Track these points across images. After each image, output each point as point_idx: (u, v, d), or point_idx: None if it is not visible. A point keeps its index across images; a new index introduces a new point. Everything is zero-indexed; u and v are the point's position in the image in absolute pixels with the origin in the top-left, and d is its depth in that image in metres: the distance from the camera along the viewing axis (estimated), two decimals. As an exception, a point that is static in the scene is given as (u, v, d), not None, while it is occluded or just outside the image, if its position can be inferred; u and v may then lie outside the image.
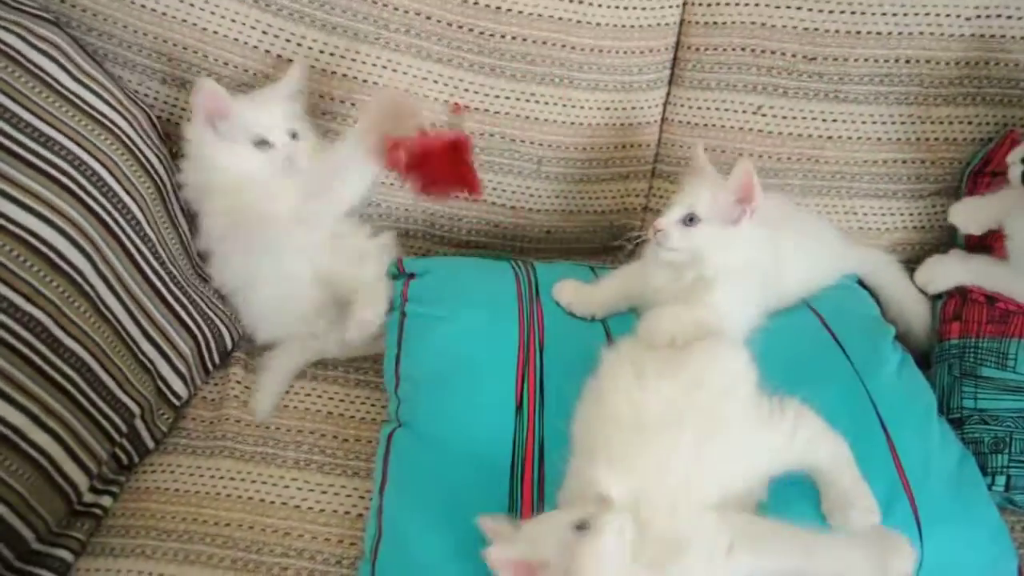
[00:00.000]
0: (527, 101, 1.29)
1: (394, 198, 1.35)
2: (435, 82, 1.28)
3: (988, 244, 1.24)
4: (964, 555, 0.98)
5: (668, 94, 1.34)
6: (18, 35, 1.13)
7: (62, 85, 1.14)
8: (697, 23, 1.29)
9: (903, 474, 0.99)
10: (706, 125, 1.32)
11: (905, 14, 1.22)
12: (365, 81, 1.27)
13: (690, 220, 1.07)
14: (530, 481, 0.98)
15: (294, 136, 1.20)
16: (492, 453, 1.00)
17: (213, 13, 1.24)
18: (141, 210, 1.16)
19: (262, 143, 1.18)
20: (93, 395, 1.04)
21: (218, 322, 1.25)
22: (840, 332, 1.15)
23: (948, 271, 1.23)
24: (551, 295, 1.18)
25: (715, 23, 1.27)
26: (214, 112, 1.17)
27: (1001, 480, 1.08)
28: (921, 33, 1.23)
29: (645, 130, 1.35)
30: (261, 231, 1.17)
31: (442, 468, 1.00)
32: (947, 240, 1.33)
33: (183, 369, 1.18)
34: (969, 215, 1.22)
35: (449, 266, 1.26)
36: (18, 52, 1.11)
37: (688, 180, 1.12)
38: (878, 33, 1.23)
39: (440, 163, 1.05)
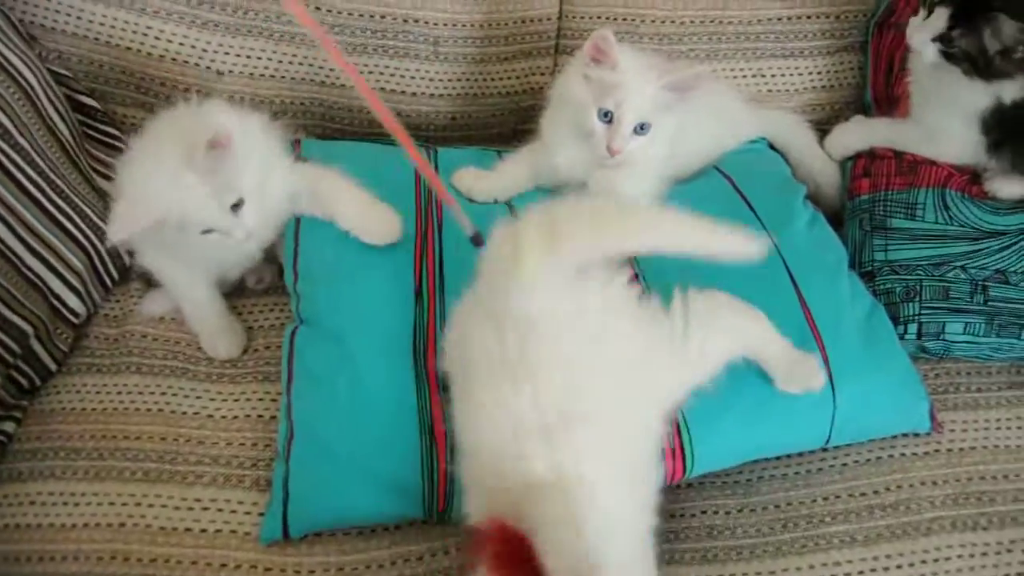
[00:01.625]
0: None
1: (292, 91, 1.28)
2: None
3: (895, 95, 1.23)
4: (876, 401, 1.00)
5: (563, -41, 1.29)
6: None
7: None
8: None
9: (814, 326, 1.01)
10: (606, -10, 1.28)
11: None
12: None
13: (641, 128, 1.05)
14: (433, 366, 0.96)
15: (237, 206, 1.01)
16: (393, 341, 0.99)
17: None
18: (11, 119, 1.08)
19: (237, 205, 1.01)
20: (-21, 317, 0.98)
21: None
22: (750, 193, 1.15)
23: (852, 139, 1.24)
24: (451, 182, 1.14)
25: None
26: (221, 143, 0.96)
27: (913, 328, 1.10)
28: None
29: (544, 1, 1.29)
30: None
31: (345, 360, 0.98)
32: (857, 98, 1.32)
33: (77, 284, 1.12)
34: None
35: (347, 151, 1.21)
36: None
37: (611, 79, 1.04)
38: None
39: None
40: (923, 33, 1.07)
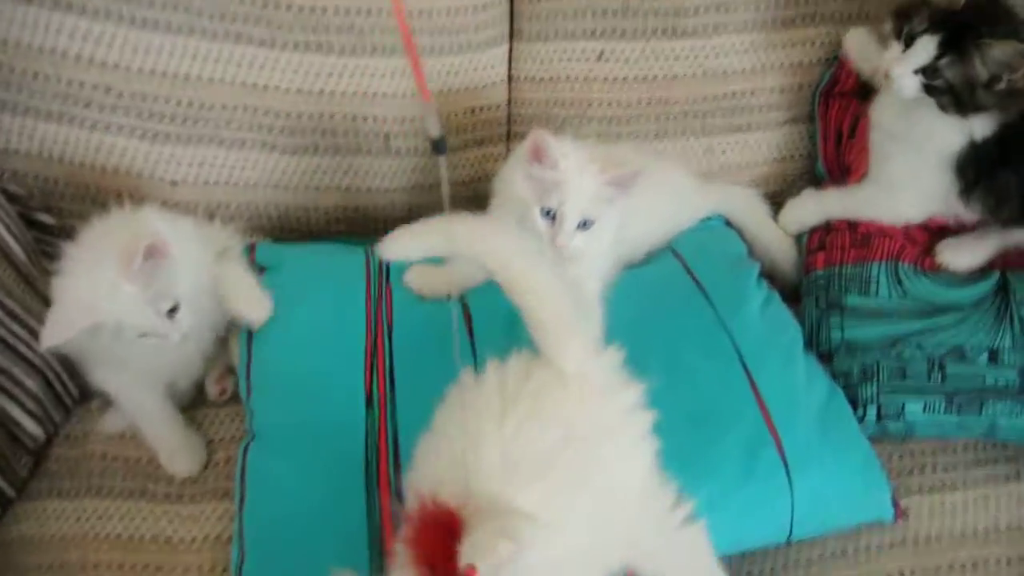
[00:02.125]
0: (362, 76, 1.23)
1: (245, 196, 1.29)
2: (261, 68, 1.21)
3: (846, 163, 1.23)
4: (836, 492, 0.99)
5: (511, 50, 1.29)
6: None
7: None
8: (528, -27, 1.24)
9: (768, 417, 0.99)
10: (552, 79, 1.28)
11: (733, -59, 1.18)
12: (187, 77, 1.20)
13: (584, 224, 1.06)
14: (386, 476, 0.96)
15: (173, 311, 1.03)
16: (345, 453, 0.98)
17: (11, 22, 1.14)
18: (-38, 244, 1.09)
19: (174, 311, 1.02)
20: (-69, 454, 0.97)
21: (69, 352, 1.17)
22: (702, 275, 1.14)
23: (805, 213, 1.24)
24: (403, 282, 1.14)
25: (545, -29, 1.23)
26: (153, 252, 0.98)
27: (872, 410, 1.08)
28: (752, -42, 1.20)
29: (493, 91, 1.30)
30: None
31: (295, 475, 0.97)
32: (809, 169, 1.32)
33: (35, 409, 1.12)
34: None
35: (299, 256, 1.20)
36: None
37: (553, 177, 1.04)
38: (705, -38, 1.19)
39: None
40: (905, 65, 1.04)
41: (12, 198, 1.22)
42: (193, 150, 1.24)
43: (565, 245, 1.05)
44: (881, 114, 1.15)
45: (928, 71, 1.03)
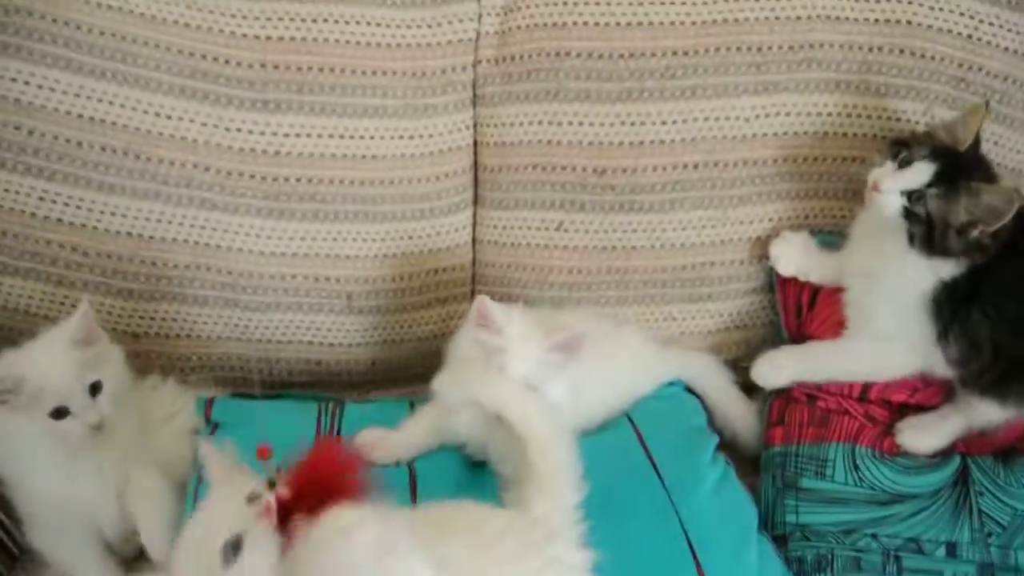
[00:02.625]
0: (324, 240, 1.26)
1: (207, 349, 1.30)
2: (224, 231, 1.23)
3: (807, 334, 1.22)
4: None
5: (475, 214, 1.31)
6: None
7: None
8: (490, 144, 1.27)
9: None
10: (513, 244, 1.30)
11: (684, 120, 1.21)
12: (152, 237, 1.22)
13: None
14: None
15: (95, 389, 1.03)
16: None
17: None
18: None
19: (58, 412, 1.00)
20: None
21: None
22: (655, 449, 1.12)
23: (780, 367, 1.20)
24: (356, 443, 1.12)
25: (506, 143, 1.26)
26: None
27: (827, 601, 1.04)
28: (704, 138, 1.22)
29: (456, 252, 1.32)
30: None
31: None
32: (773, 335, 1.30)
33: (-2, 533, 1.10)
34: (791, 255, 1.21)
35: (256, 415, 1.20)
36: None
37: (498, 344, 1.04)
38: (661, 142, 1.22)
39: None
40: (896, 182, 1.04)
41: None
42: (156, 306, 1.26)
43: None
44: (855, 254, 1.14)
45: (914, 196, 1.03)
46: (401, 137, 1.23)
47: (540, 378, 1.05)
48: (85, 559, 1.09)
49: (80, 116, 1.17)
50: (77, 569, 1.10)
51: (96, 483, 1.08)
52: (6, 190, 1.19)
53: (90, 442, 1.04)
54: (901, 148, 1.05)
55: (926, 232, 1.03)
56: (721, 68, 1.19)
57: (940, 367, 1.11)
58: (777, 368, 1.20)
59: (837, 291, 1.18)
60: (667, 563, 0.99)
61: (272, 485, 0.78)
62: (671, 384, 1.25)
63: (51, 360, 1.01)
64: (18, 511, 1.10)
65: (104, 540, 1.11)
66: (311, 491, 0.78)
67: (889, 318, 1.11)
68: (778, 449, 1.16)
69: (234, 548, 0.76)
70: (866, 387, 1.16)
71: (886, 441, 1.12)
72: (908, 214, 1.04)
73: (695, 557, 0.99)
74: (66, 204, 1.20)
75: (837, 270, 1.19)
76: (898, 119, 1.21)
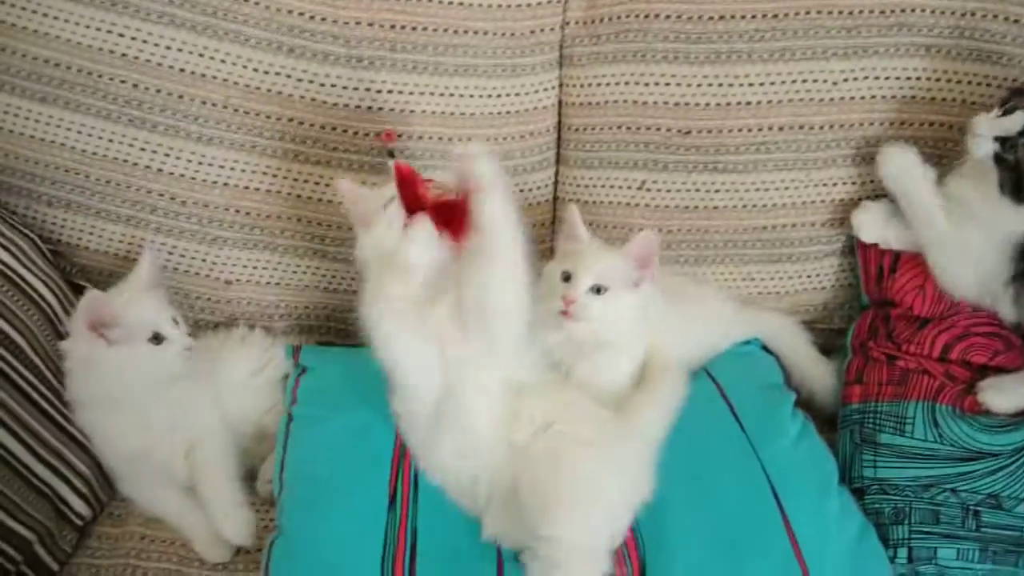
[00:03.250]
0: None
1: (295, 298, 1.35)
2: (316, 183, 1.28)
3: (889, 298, 1.23)
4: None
5: (557, 173, 1.34)
6: None
7: (-65, 225, 1.14)
8: (575, 104, 1.29)
9: (799, 551, 0.98)
10: (595, 202, 1.32)
11: (772, 83, 1.22)
12: (247, 188, 1.27)
13: (598, 290, 1.07)
14: (401, 569, 0.98)
15: (176, 323, 1.15)
16: (362, 548, 1.00)
17: (90, 135, 1.24)
18: (26, 338, 1.16)
19: (156, 337, 1.12)
20: (-20, 530, 1.03)
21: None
22: (737, 402, 1.15)
23: (873, 223, 1.23)
24: None
25: (591, 103, 1.28)
26: (101, 321, 1.08)
27: (903, 552, 1.06)
28: (791, 100, 1.22)
29: (538, 210, 1.35)
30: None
31: (313, 569, 0.99)
32: (851, 298, 1.32)
33: (83, 489, 1.16)
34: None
35: (342, 363, 1.25)
36: None
37: (575, 247, 1.13)
38: (747, 103, 1.23)
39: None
40: (991, 127, 1.06)
41: (79, 290, 1.30)
42: (248, 254, 1.31)
43: (574, 299, 1.06)
44: (958, 186, 1.15)
45: (1007, 143, 1.05)
46: (489, 96, 1.26)
47: (609, 280, 1.08)
48: (165, 502, 1.17)
49: (182, 70, 1.22)
50: (159, 510, 1.17)
51: (166, 440, 1.15)
52: (111, 140, 1.24)
53: (184, 372, 1.13)
54: (1012, 96, 1.06)
55: (1012, 180, 1.04)
56: (811, 31, 1.20)
57: (1002, 309, 1.14)
58: (871, 222, 1.22)
59: (920, 255, 1.20)
60: (751, 507, 1.02)
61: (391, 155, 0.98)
62: (747, 342, 1.28)
63: (137, 297, 1.13)
64: (104, 465, 1.18)
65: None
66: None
67: (971, 241, 1.13)
68: (856, 406, 1.18)
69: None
70: (947, 347, 1.17)
71: (967, 400, 1.13)
72: (999, 159, 1.05)
73: (779, 502, 1.02)
74: (166, 155, 1.25)
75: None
76: (988, 84, 1.21)
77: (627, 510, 0.99)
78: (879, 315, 1.24)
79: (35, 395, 1.15)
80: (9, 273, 1.18)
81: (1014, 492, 1.06)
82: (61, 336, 1.22)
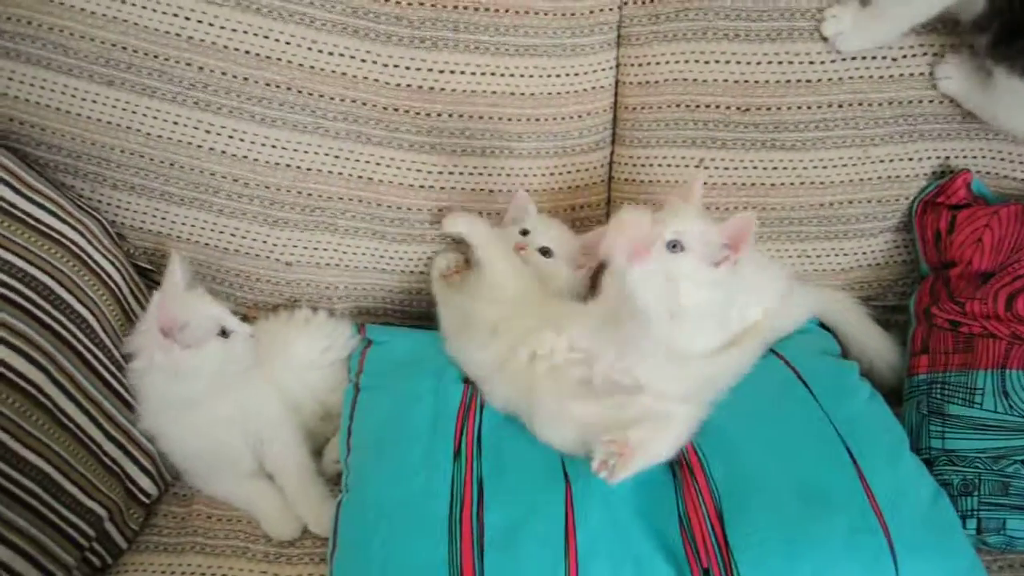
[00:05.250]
0: (471, 174, 1.31)
1: (354, 279, 1.36)
2: (377, 164, 1.29)
3: (949, 259, 1.23)
4: (942, 587, 0.96)
5: (612, 153, 1.35)
6: (-35, 160, 1.15)
7: (9, 203, 1.16)
8: (631, 83, 1.30)
9: (875, 504, 0.98)
10: (651, 181, 1.33)
11: (832, 60, 1.22)
12: (309, 169, 1.28)
13: (674, 246, 1.01)
14: (469, 525, 0.98)
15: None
16: (430, 500, 1.01)
17: (155, 118, 1.25)
18: (96, 317, 1.18)
19: (223, 332, 1.14)
20: (57, 505, 1.05)
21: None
22: (803, 368, 1.15)
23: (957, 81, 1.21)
24: None
25: (649, 82, 1.29)
26: (173, 324, 1.11)
27: (972, 523, 1.07)
28: (851, 78, 1.23)
29: (593, 190, 1.36)
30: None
31: (380, 521, 1.00)
32: (907, 272, 1.33)
33: (150, 467, 1.19)
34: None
35: (407, 338, 1.29)
36: (-35, 177, 1.14)
37: (678, 205, 1.08)
38: (807, 81, 1.24)
39: None
40: None
41: (143, 273, 1.32)
42: (309, 235, 1.33)
43: (646, 251, 1.00)
44: None
45: None
46: (548, 76, 1.27)
47: (690, 242, 1.02)
48: (231, 490, 1.19)
49: (247, 52, 1.23)
50: (225, 498, 1.19)
51: (232, 434, 1.17)
52: (175, 123, 1.26)
53: (254, 363, 1.16)
54: None
55: None
56: (871, 7, 1.20)
57: None
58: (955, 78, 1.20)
59: (977, 210, 1.21)
60: (827, 463, 1.01)
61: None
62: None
63: (193, 299, 1.16)
64: (172, 464, 1.21)
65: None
66: None
67: None
68: (923, 377, 1.18)
69: None
70: (1011, 299, 1.16)
71: None
72: None
73: (854, 460, 1.02)
74: (230, 137, 1.27)
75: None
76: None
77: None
78: (940, 278, 1.23)
79: (105, 373, 1.17)
80: (80, 253, 1.20)
81: (1086, 464, 1.06)
82: (128, 317, 1.24)
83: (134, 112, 1.25)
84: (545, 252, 1.24)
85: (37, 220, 1.18)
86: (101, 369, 1.16)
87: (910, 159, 1.27)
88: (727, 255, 1.02)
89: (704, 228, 1.03)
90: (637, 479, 0.96)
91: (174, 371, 1.12)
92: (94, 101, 1.25)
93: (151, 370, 1.13)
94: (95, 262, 1.22)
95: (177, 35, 1.22)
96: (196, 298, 1.17)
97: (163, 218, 1.32)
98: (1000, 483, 1.07)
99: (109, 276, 1.24)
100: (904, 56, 1.22)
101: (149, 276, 1.33)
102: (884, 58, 1.22)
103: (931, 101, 1.24)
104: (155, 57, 1.23)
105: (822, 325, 1.28)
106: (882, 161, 1.27)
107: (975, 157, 1.27)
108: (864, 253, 1.32)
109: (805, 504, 0.97)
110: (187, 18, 1.22)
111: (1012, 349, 1.13)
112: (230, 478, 1.19)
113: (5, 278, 1.09)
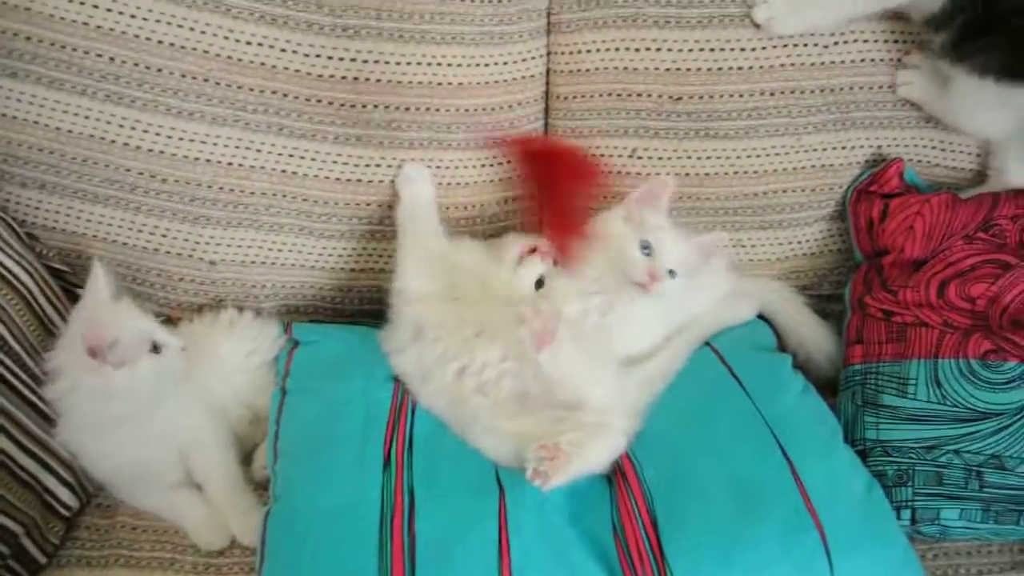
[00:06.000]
0: (399, 167, 1.27)
1: (280, 276, 1.32)
2: (301, 158, 1.25)
3: (882, 247, 1.23)
4: (877, 581, 0.96)
5: (544, 143, 1.33)
6: None
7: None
8: (562, 72, 1.28)
9: (808, 501, 0.98)
10: (585, 172, 1.30)
11: (764, 48, 1.21)
12: (230, 164, 1.23)
13: (671, 273, 1.14)
14: (400, 530, 0.96)
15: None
16: (360, 510, 0.99)
17: (65, 112, 1.19)
18: (5, 325, 1.12)
19: (155, 347, 1.09)
20: (-36, 526, 0.99)
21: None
22: (736, 364, 1.15)
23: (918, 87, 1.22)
24: None
25: (580, 71, 1.26)
26: (101, 345, 1.04)
27: (907, 514, 1.07)
28: (783, 66, 1.22)
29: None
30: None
31: (311, 533, 0.98)
32: (842, 261, 1.33)
33: (70, 479, 1.14)
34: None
35: (335, 336, 1.25)
36: None
37: (656, 223, 1.17)
38: (739, 68, 1.22)
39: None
40: None
41: (56, 274, 1.27)
42: (232, 232, 1.28)
43: (660, 279, 1.12)
44: None
45: None
46: (477, 65, 1.24)
47: (682, 268, 1.14)
48: (158, 502, 1.15)
49: (160, 42, 1.18)
50: (151, 510, 1.15)
51: (158, 449, 1.13)
52: (87, 116, 1.20)
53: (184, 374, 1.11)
54: None
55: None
56: (800, -7, 1.19)
57: None
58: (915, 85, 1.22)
59: (909, 198, 1.21)
60: (759, 462, 1.02)
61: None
62: (738, 311, 1.28)
63: (120, 312, 1.10)
64: (95, 479, 1.17)
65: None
66: None
67: None
68: (858, 367, 1.18)
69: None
70: (942, 286, 1.17)
71: (969, 346, 1.12)
72: None
73: (787, 457, 1.02)
74: (145, 131, 1.21)
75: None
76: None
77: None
78: (872, 267, 1.24)
79: (17, 383, 1.12)
80: (-11, 262, 1.14)
81: (1016, 452, 1.07)
82: (43, 323, 1.19)
83: (41, 106, 1.19)
84: (671, 273, 1.16)
85: (-64, 223, 1.12)
86: (13, 380, 1.11)
87: (843, 147, 1.27)
88: (701, 265, 1.17)
89: (685, 248, 1.16)
90: (571, 488, 0.96)
91: (103, 392, 1.06)
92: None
93: (77, 390, 1.07)
94: (5, 267, 1.17)
95: (84, 24, 1.16)
96: (123, 311, 1.11)
97: (77, 217, 1.26)
98: (934, 473, 1.08)
99: (20, 281, 1.18)
100: (836, 43, 1.21)
101: (64, 278, 1.27)
102: (815, 45, 1.21)
103: (862, 88, 1.24)
104: (62, 47, 1.17)
105: (760, 316, 1.27)
106: (815, 150, 1.26)
107: (907, 146, 1.27)
108: (799, 242, 1.32)
109: (738, 505, 0.97)
110: (95, 6, 1.16)
111: (944, 338, 1.14)
112: (156, 490, 1.15)
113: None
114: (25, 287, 1.18)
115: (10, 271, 1.17)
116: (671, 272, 1.14)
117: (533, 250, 1.18)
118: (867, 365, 1.17)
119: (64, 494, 1.13)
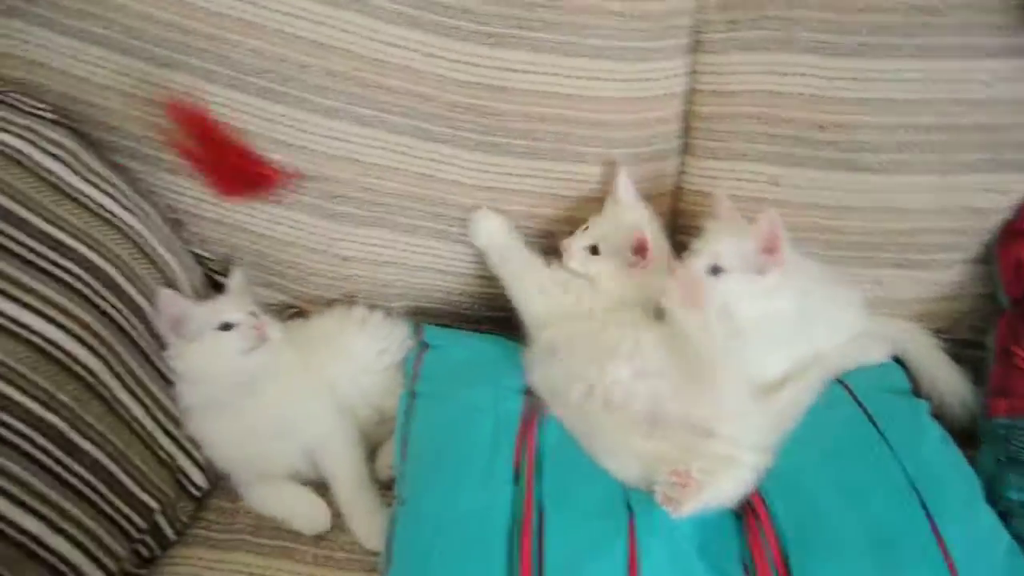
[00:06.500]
0: (536, 177, 1.27)
1: (412, 277, 1.34)
2: (440, 163, 1.26)
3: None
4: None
5: (682, 163, 1.31)
6: (28, 140, 1.14)
7: (70, 186, 1.15)
8: (706, 91, 1.26)
9: (950, 559, 0.93)
10: (721, 195, 1.28)
11: (920, 80, 1.17)
12: (371, 164, 1.26)
13: (714, 271, 1.06)
14: (528, 549, 0.96)
15: (254, 315, 1.18)
16: (490, 519, 0.99)
17: (213, 103, 1.23)
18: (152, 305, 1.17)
19: (225, 326, 1.15)
20: (111, 496, 1.05)
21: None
22: (871, 405, 1.10)
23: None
24: None
25: (724, 92, 1.24)
26: (176, 319, 1.14)
27: (1047, 582, 1.01)
28: (939, 100, 1.18)
29: (659, 201, 1.31)
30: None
31: (440, 538, 0.98)
32: (981, 306, 1.27)
33: (201, 460, 1.18)
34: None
35: (465, 342, 1.26)
36: (27, 157, 1.13)
37: (710, 228, 1.12)
38: (891, 100, 1.18)
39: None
40: None
41: (199, 260, 1.32)
42: (367, 231, 1.30)
43: (682, 275, 1.07)
44: None
45: None
46: (617, 80, 1.23)
47: (729, 263, 1.07)
48: (281, 496, 1.16)
49: (308, 40, 1.20)
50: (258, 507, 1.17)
51: (277, 447, 1.16)
52: (235, 109, 1.23)
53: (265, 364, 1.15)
54: None
55: None
56: (964, 28, 1.15)
57: None
58: None
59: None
60: (900, 514, 0.97)
61: None
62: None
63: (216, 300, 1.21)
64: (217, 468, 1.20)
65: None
66: None
67: None
68: (1002, 421, 1.11)
69: None
70: None
71: None
72: None
73: (926, 509, 0.97)
74: (289, 126, 1.24)
75: None
76: None
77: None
78: (1020, 314, 1.18)
79: (160, 364, 1.16)
80: (137, 239, 1.20)
81: None
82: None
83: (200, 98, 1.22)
84: (715, 271, 1.12)
85: (97, 203, 1.17)
86: (157, 360, 1.16)
87: (995, 191, 1.21)
88: (768, 260, 1.07)
89: (736, 241, 1.07)
90: (700, 519, 0.94)
91: (183, 367, 1.14)
92: (154, 83, 1.22)
93: (174, 369, 1.15)
94: (152, 248, 1.22)
95: (239, 19, 1.19)
96: (212, 301, 1.19)
97: (222, 206, 1.30)
98: (1084, 541, 1.01)
99: (166, 263, 1.23)
100: (998, 80, 1.16)
101: (205, 264, 1.32)
102: (976, 81, 1.16)
103: (1019, 128, 1.18)
104: (212, 39, 1.20)
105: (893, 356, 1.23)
106: (965, 190, 1.21)
107: (1064, 189, 1.21)
108: (938, 284, 1.27)
109: (876, 558, 0.93)
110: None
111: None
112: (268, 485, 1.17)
113: (64, 262, 1.08)
114: (172, 270, 1.24)
115: (159, 254, 1.23)
116: (715, 269, 1.08)
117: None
118: (1013, 420, 1.11)
119: (196, 474, 1.17)
